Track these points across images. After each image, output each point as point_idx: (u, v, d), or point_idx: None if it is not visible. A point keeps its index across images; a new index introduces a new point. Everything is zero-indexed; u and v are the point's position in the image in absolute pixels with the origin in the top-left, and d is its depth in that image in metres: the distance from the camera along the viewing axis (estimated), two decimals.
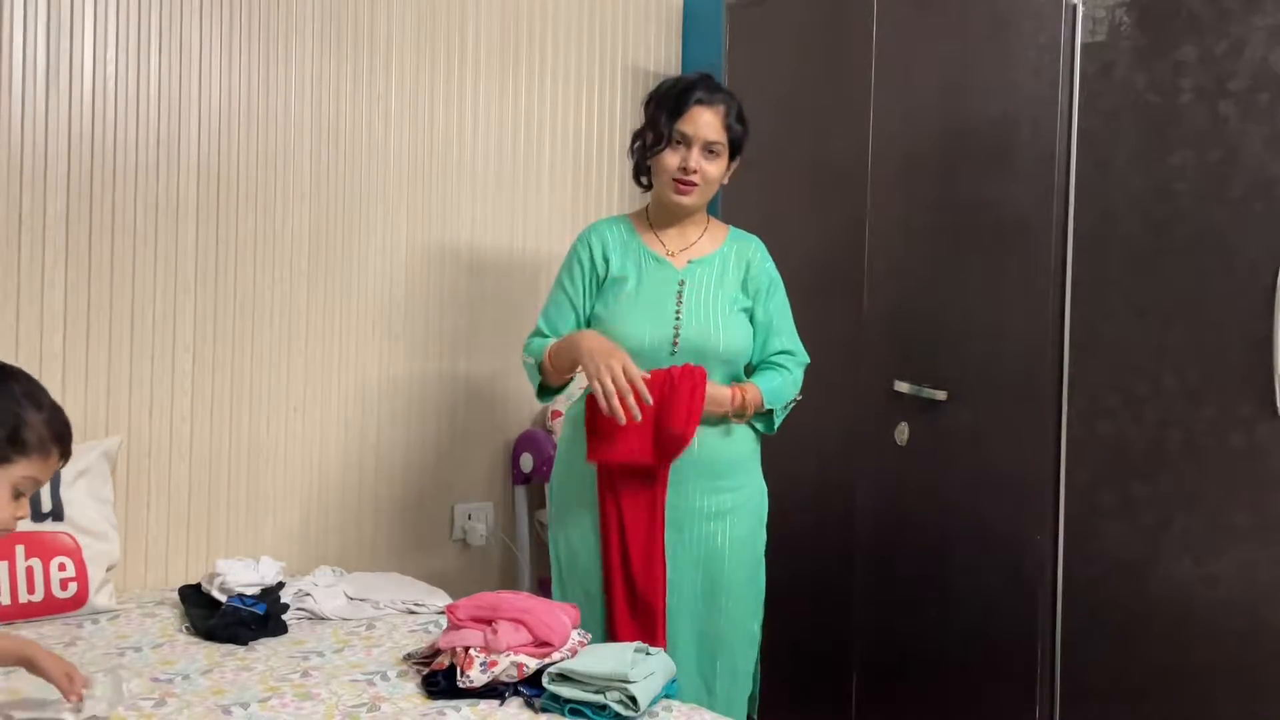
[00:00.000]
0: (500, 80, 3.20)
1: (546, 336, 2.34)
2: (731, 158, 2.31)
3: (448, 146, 3.10)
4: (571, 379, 2.36)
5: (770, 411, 2.31)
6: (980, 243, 2.47)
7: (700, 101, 2.24)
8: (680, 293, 2.27)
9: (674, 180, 2.25)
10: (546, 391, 2.37)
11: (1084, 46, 2.30)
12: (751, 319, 2.32)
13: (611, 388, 2.09)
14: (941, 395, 2.51)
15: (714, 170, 2.26)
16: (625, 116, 3.44)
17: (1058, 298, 2.33)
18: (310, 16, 2.83)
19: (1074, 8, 2.31)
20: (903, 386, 2.57)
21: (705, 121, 2.24)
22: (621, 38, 3.46)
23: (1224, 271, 2.11)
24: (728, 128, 2.26)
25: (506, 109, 3.21)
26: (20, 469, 1.55)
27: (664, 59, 3.55)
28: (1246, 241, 2.08)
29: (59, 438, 1.60)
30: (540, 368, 2.31)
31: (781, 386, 2.32)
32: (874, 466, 2.66)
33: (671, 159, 2.25)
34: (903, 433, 2.59)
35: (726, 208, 2.89)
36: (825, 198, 2.79)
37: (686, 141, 2.24)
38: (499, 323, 3.20)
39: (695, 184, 2.25)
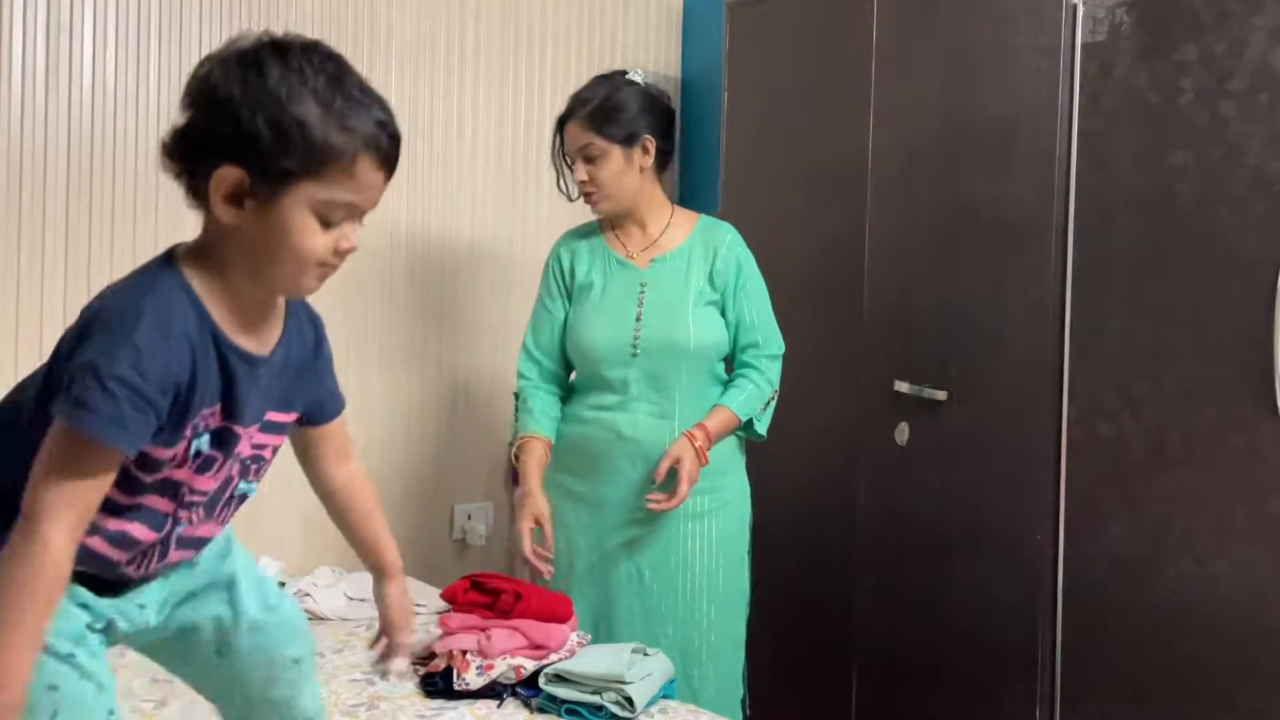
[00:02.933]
0: (500, 80, 3.20)
1: (536, 363, 2.37)
2: (629, 144, 2.24)
3: (447, 146, 3.10)
4: None
5: (750, 422, 2.30)
6: (980, 243, 2.47)
7: (563, 123, 2.29)
8: (641, 295, 2.27)
9: (583, 196, 2.31)
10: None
11: (1084, 46, 2.30)
12: (724, 313, 2.31)
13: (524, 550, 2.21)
14: (942, 395, 2.51)
15: (603, 172, 2.25)
16: None
17: (1058, 298, 2.33)
18: (310, 16, 2.83)
19: (1074, 7, 2.31)
20: (903, 386, 2.57)
21: (571, 136, 2.27)
22: (621, 38, 3.46)
23: (1224, 271, 2.10)
24: (595, 129, 2.22)
25: (506, 109, 3.21)
26: (312, 190, 1.14)
27: (664, 59, 3.55)
28: (1247, 242, 2.07)
29: (367, 143, 1.15)
30: (518, 445, 2.35)
31: (751, 394, 2.29)
32: (874, 467, 2.66)
33: (574, 177, 2.30)
34: (903, 433, 2.58)
35: (726, 207, 2.89)
36: (825, 198, 2.78)
37: (569, 160, 2.30)
38: (498, 323, 3.20)
39: (592, 192, 2.27)
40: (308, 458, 1.45)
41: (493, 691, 1.91)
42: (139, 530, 1.23)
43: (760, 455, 2.49)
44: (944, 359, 2.52)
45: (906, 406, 2.58)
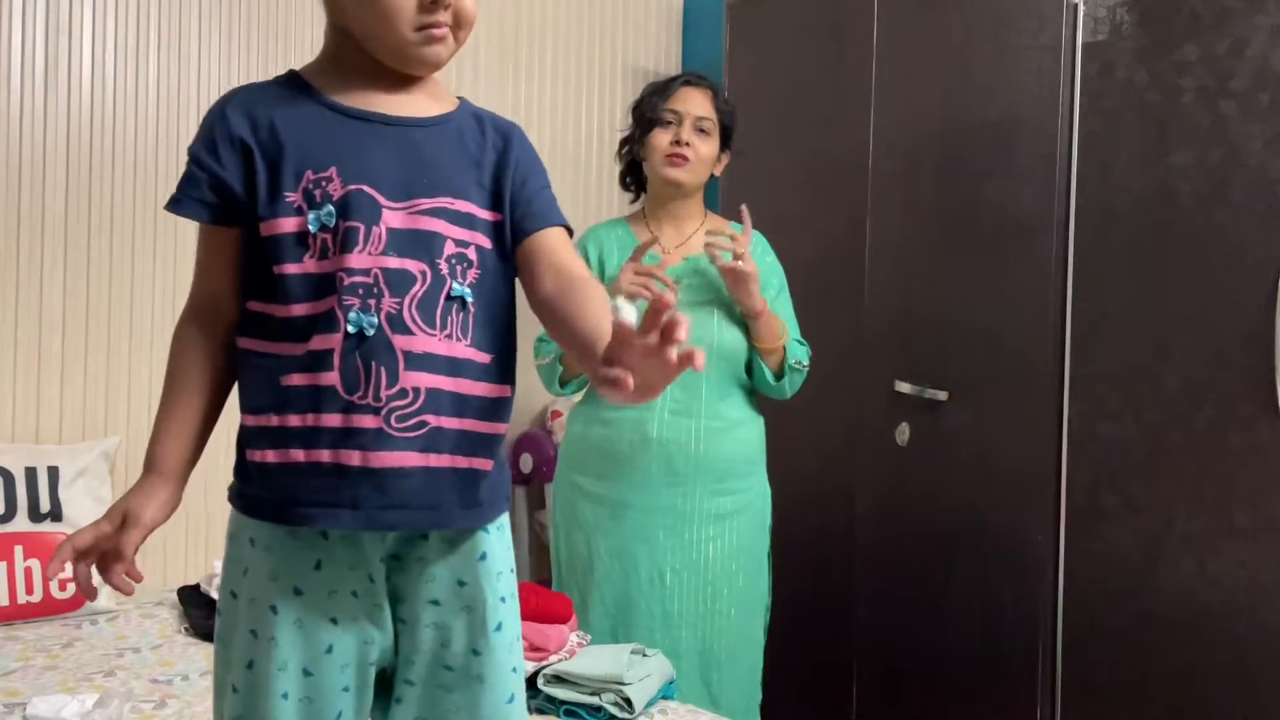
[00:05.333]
0: (500, 80, 3.19)
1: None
2: (724, 145, 2.34)
3: None
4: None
5: (783, 358, 2.27)
6: (981, 243, 2.47)
7: (688, 83, 2.32)
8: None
9: (666, 156, 2.27)
10: (566, 383, 2.34)
11: (1085, 46, 2.30)
12: None
13: (641, 280, 2.13)
14: (942, 395, 2.51)
15: (705, 148, 2.29)
16: (625, 116, 3.42)
17: (1058, 298, 2.32)
18: (310, 17, 2.82)
19: (1075, 7, 2.31)
20: (903, 387, 2.57)
21: (694, 100, 2.29)
22: (621, 38, 3.46)
23: (1225, 271, 2.10)
24: (717, 108, 2.31)
25: (506, 108, 3.21)
26: None
27: (664, 59, 3.55)
28: (1247, 241, 2.07)
29: None
30: (560, 359, 2.30)
31: (795, 346, 2.30)
32: (875, 467, 2.66)
33: (662, 137, 2.28)
34: (904, 433, 2.58)
35: (728, 207, 2.89)
36: (825, 198, 2.78)
37: (677, 119, 2.28)
38: None
39: (687, 158, 2.26)
40: (523, 283, 1.23)
41: None
42: (319, 340, 1.10)
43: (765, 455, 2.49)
44: (944, 359, 2.52)
45: (906, 406, 2.57)
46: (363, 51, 1.19)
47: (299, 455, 1.11)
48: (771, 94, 2.91)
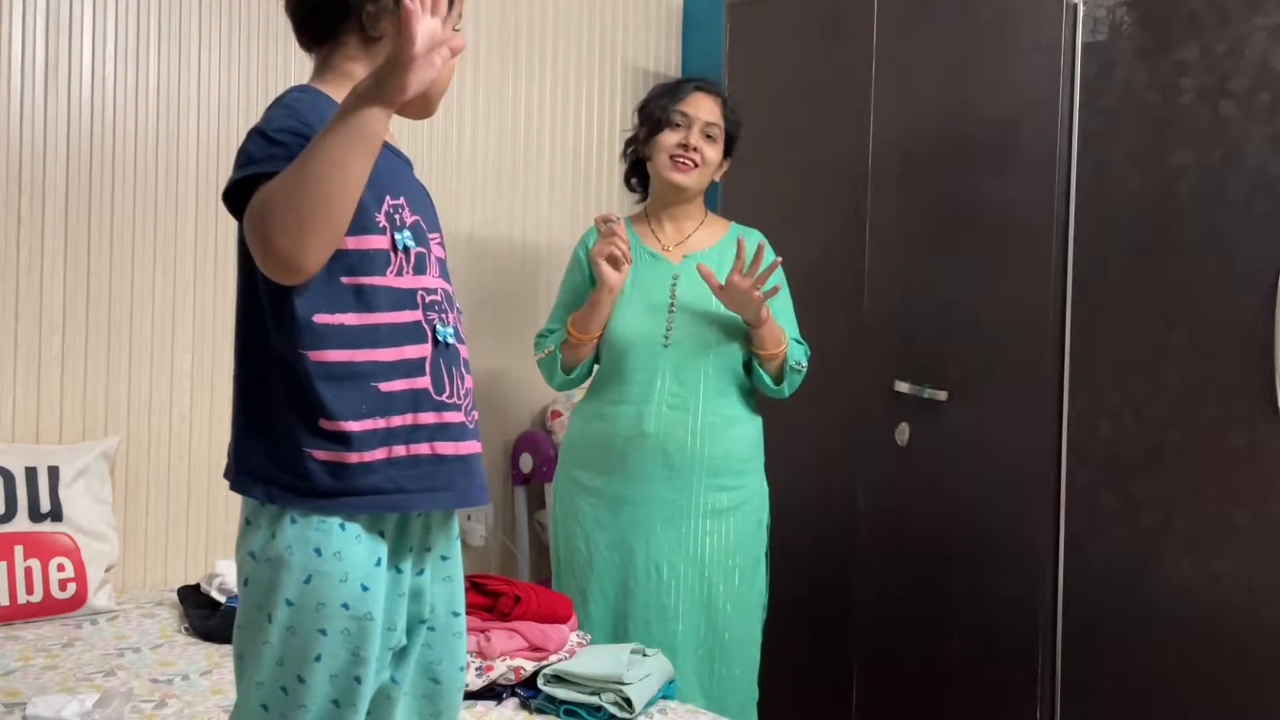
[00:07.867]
0: (500, 80, 3.19)
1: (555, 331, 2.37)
2: (726, 153, 2.36)
3: (447, 146, 3.10)
4: (589, 356, 2.34)
5: (783, 363, 2.28)
6: (980, 243, 2.47)
7: (700, 89, 2.34)
8: (674, 287, 2.29)
9: (672, 158, 2.29)
10: (570, 370, 2.34)
11: (1085, 46, 2.30)
12: None
13: (616, 252, 2.21)
14: (942, 395, 2.51)
15: (711, 153, 2.31)
16: (625, 116, 3.43)
17: (1058, 298, 2.33)
18: None
19: (1075, 7, 2.31)
20: (903, 386, 2.57)
21: (705, 105, 2.31)
22: (621, 38, 3.46)
23: (1224, 271, 2.10)
24: (725, 117, 2.33)
25: (506, 109, 3.21)
26: None
27: (664, 59, 3.55)
28: (1247, 241, 2.07)
29: None
30: (561, 346, 2.31)
31: (794, 347, 2.32)
32: (874, 467, 2.66)
33: (671, 137, 2.30)
34: (903, 433, 2.58)
35: (727, 208, 2.89)
36: (825, 198, 2.78)
37: (686, 122, 2.30)
38: (498, 323, 3.19)
39: (694, 162, 2.28)
40: None
41: (491, 692, 1.91)
42: (412, 350, 1.26)
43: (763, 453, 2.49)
44: (944, 359, 2.52)
45: (906, 406, 2.58)
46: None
47: (401, 450, 1.24)
48: (771, 94, 2.91)
